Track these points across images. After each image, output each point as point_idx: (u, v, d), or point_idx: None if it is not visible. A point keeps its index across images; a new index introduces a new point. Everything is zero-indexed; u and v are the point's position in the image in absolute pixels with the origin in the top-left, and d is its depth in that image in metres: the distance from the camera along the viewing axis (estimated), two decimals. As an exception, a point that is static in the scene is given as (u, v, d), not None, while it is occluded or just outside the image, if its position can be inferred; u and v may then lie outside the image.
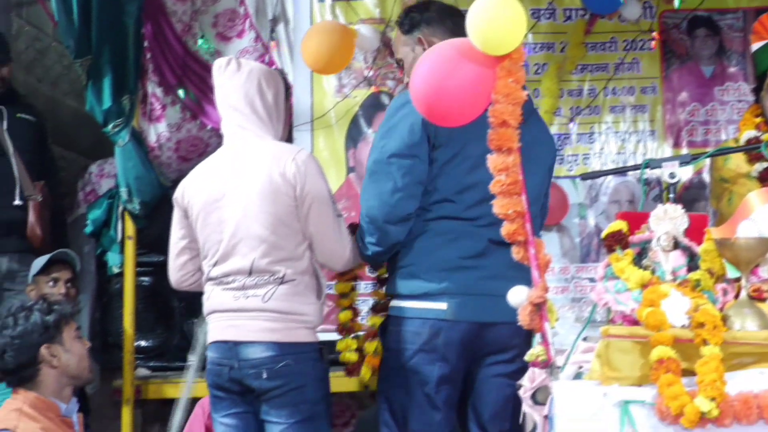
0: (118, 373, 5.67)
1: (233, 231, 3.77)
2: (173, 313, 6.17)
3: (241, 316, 3.75)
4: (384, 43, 5.67)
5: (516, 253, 3.08)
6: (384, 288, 3.95)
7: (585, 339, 3.28)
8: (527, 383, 3.19)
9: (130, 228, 5.73)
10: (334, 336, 4.15)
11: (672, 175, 3.83)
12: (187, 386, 5.28)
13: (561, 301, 5.46)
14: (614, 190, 5.66)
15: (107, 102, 5.44)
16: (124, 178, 5.61)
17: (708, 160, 5.27)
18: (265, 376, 3.71)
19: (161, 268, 5.91)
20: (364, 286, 4.30)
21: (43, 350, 3.95)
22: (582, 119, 5.71)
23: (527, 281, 3.13)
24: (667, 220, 3.22)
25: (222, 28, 5.85)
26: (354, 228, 3.89)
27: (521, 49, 3.11)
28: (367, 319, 4.11)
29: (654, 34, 5.74)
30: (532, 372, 3.16)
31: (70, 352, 4.01)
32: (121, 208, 5.79)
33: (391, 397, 3.80)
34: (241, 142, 3.87)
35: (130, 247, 5.72)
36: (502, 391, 3.71)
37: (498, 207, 3.06)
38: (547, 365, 3.04)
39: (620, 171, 5.44)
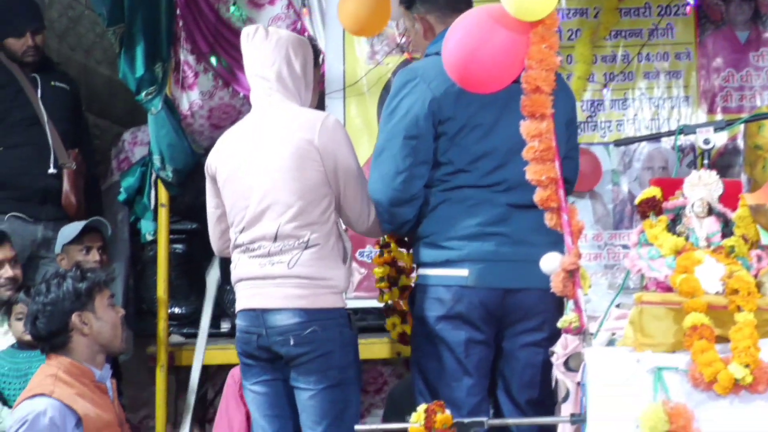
0: (152, 339, 5.70)
1: (260, 198, 3.77)
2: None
3: (267, 283, 3.76)
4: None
5: (549, 219, 3.07)
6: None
7: (618, 306, 3.27)
8: (560, 350, 3.20)
9: (164, 195, 5.75)
10: (365, 303, 4.17)
11: (706, 141, 3.82)
12: (201, 336, 5.30)
13: (594, 267, 5.43)
14: (648, 156, 5.62)
15: (140, 70, 5.46)
16: (157, 145, 5.61)
17: (742, 126, 5.22)
18: (292, 342, 3.72)
19: (194, 236, 5.98)
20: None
21: (75, 318, 3.98)
22: (615, 85, 5.66)
23: (551, 246, 3.13)
24: (701, 186, 3.20)
25: (254, -5, 5.84)
26: None
27: (554, 14, 3.09)
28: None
29: (688, -1, 5.68)
30: (564, 339, 3.17)
31: (102, 320, 4.04)
32: (154, 176, 5.81)
33: (423, 366, 3.82)
34: (268, 109, 3.87)
35: (163, 214, 5.74)
36: (531, 359, 3.73)
37: (531, 173, 3.05)
38: (580, 332, 3.04)
39: (654, 137, 5.40)
